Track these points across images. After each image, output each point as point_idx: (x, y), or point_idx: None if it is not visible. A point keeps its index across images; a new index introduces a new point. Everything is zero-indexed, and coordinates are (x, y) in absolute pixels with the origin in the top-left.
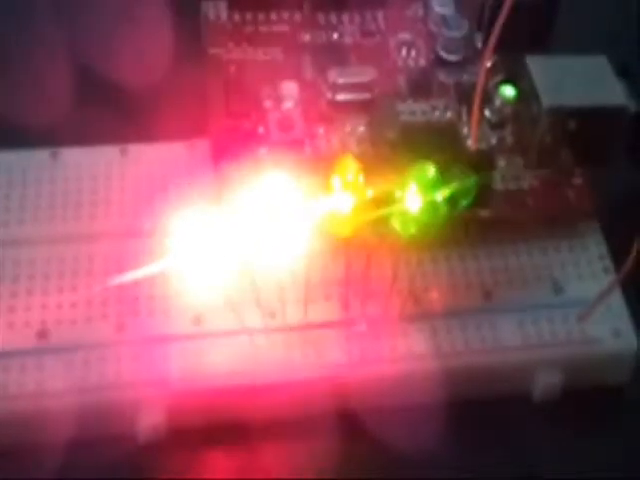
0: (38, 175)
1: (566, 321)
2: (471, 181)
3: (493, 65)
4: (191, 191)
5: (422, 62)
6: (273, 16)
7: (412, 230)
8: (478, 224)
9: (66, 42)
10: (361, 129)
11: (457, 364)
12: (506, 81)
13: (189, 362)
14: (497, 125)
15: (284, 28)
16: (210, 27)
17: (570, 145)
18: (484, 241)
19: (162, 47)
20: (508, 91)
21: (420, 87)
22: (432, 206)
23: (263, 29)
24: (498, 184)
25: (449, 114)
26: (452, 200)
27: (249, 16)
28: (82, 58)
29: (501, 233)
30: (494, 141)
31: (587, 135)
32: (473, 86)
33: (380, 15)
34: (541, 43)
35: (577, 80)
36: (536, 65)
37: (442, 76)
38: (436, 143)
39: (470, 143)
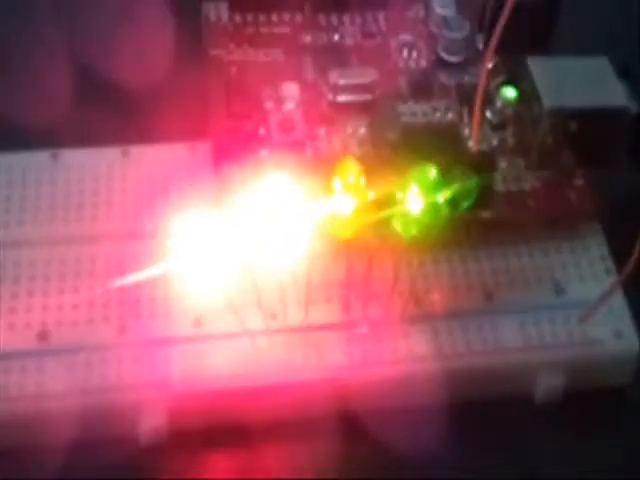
0: (39, 176)
1: (567, 322)
2: (472, 182)
3: (494, 66)
4: (192, 192)
5: (423, 63)
6: (274, 17)
7: (413, 232)
8: (479, 225)
9: (67, 43)
10: (362, 130)
11: (458, 365)
12: (507, 82)
13: (190, 364)
14: (498, 126)
15: (285, 29)
16: (211, 28)
17: (571, 146)
18: (485, 242)
19: (163, 48)
20: (509, 92)
21: (421, 88)
22: (433, 207)
23: (264, 30)
24: (499, 185)
25: (450, 115)
26: (453, 201)
27: (250, 17)
28: (83, 59)
29: (502, 234)
30: (495, 142)
31: (588, 136)
32: (474, 87)
33: (381, 16)
34: (542, 44)
35: (578, 81)
36: (537, 66)
37: (443, 77)
38: (437, 144)
39: (471, 144)
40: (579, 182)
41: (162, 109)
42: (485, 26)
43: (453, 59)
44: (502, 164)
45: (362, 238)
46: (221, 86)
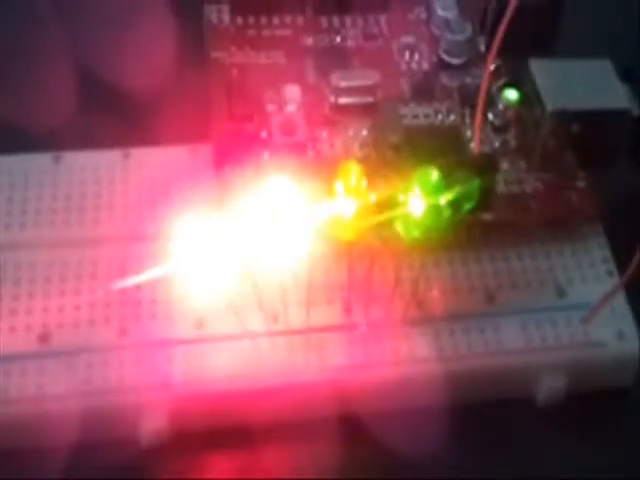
0: (40, 179)
1: (569, 324)
2: (474, 184)
3: (496, 68)
4: (194, 195)
5: (425, 65)
6: (275, 20)
7: (415, 234)
8: (481, 227)
9: (69, 45)
10: (364, 133)
11: (460, 367)
12: (509, 84)
13: (191, 366)
14: (500, 128)
15: (287, 32)
16: (213, 31)
17: (573, 148)
18: (487, 244)
19: (165, 51)
20: (511, 94)
21: (423, 90)
22: (435, 210)
23: (266, 33)
24: (501, 187)
25: (452, 117)
26: (455, 204)
27: (252, 20)
28: (85, 61)
29: (504, 236)
30: (497, 144)
31: (590, 138)
32: (476, 89)
33: (383, 18)
34: (544, 46)
35: (580, 83)
36: (539, 68)
37: (445, 79)
38: (439, 146)
39: (473, 146)
40: (581, 184)
41: (164, 111)
42: (487, 28)
43: (455, 61)
44: (504, 166)
45: (364, 240)
46: (223, 88)
